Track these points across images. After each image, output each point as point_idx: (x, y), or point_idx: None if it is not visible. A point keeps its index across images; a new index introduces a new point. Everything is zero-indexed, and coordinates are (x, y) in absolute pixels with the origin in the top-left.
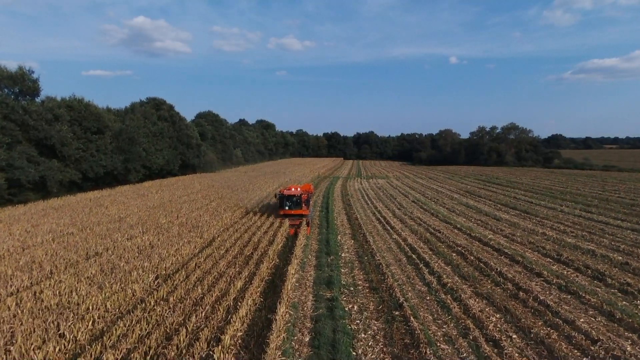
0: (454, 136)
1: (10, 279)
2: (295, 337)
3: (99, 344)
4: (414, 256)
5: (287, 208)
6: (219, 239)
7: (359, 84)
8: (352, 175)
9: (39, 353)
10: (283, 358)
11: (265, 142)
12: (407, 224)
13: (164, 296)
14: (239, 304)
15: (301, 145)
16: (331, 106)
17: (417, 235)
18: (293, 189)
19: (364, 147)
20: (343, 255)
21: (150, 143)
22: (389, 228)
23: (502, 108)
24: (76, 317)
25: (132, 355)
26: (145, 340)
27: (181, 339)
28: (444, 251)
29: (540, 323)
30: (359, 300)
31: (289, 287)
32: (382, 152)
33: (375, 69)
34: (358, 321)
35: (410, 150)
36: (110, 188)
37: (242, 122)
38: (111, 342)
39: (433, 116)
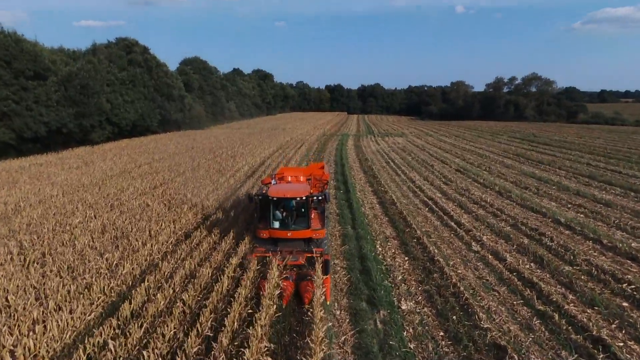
0: (466, 88)
1: None
2: None
3: None
4: (555, 316)
5: (276, 226)
6: (150, 279)
7: (362, 36)
8: (362, 132)
9: None
10: None
11: (262, 95)
12: (474, 213)
13: None
14: None
15: (302, 98)
16: (334, 57)
17: (509, 243)
18: (290, 177)
19: (369, 100)
20: (404, 306)
21: (117, 93)
22: (452, 223)
23: (511, 60)
24: None
25: None
26: None
27: None
28: (600, 295)
29: None
30: None
31: None
32: (389, 106)
33: (378, 19)
34: None
35: (418, 103)
36: (58, 152)
37: (237, 72)
38: None
39: (442, 68)
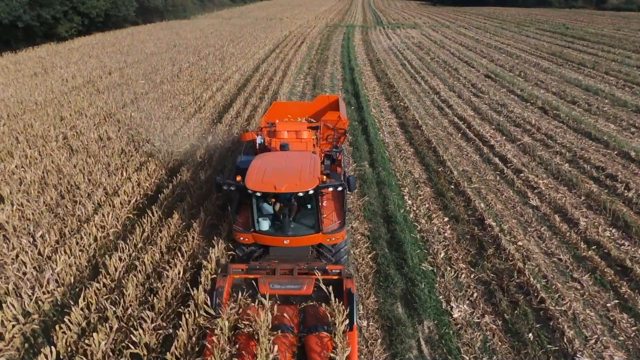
0: None
1: None
2: None
3: None
4: None
5: (264, 228)
6: (89, 293)
7: None
8: (370, 22)
9: None
10: None
11: None
12: (519, 142)
13: None
14: None
15: None
16: None
17: (574, 192)
18: (286, 132)
19: None
20: (456, 312)
21: None
22: (494, 159)
23: None
24: None
25: None
26: None
27: None
28: None
29: None
30: None
31: None
32: None
33: None
34: None
35: None
36: (16, 52)
37: None
38: None
39: None
